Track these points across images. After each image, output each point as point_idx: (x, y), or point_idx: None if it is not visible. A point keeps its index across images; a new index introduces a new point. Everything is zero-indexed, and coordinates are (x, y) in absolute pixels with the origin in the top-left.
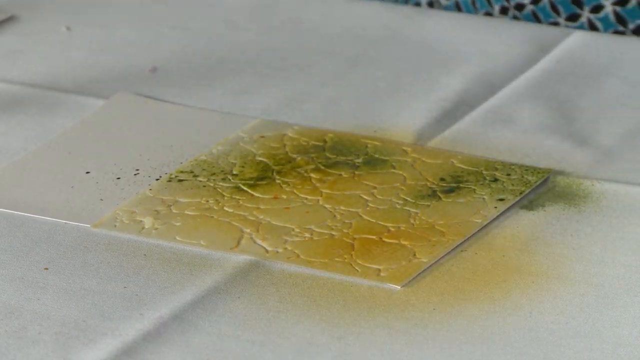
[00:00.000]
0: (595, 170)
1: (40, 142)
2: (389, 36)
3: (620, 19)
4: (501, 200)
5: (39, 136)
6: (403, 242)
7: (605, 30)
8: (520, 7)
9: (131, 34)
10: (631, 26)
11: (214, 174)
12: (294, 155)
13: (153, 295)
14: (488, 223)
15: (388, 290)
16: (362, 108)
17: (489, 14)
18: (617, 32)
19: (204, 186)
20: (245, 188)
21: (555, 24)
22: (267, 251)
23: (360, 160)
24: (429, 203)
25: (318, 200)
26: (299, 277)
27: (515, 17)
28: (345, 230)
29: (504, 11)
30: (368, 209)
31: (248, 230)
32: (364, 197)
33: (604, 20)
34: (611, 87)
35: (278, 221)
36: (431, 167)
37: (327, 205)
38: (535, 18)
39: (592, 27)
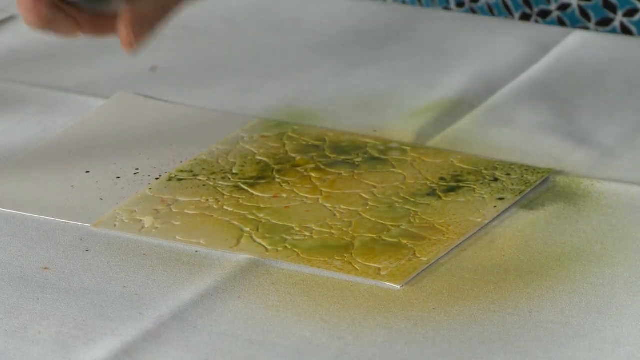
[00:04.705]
0: (595, 170)
1: (40, 141)
2: (389, 36)
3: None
4: (501, 199)
5: (39, 135)
6: (403, 241)
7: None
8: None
9: None
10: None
11: (214, 173)
12: (294, 155)
13: (153, 294)
14: (488, 222)
15: (388, 289)
16: (362, 108)
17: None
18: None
19: (204, 185)
20: (245, 187)
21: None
22: (267, 250)
23: (360, 159)
24: (428, 202)
25: (318, 199)
26: (298, 276)
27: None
28: (345, 229)
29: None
30: (368, 207)
31: (248, 229)
32: (364, 196)
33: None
34: (611, 87)
35: (278, 220)
36: (431, 167)
37: (327, 204)
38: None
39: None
